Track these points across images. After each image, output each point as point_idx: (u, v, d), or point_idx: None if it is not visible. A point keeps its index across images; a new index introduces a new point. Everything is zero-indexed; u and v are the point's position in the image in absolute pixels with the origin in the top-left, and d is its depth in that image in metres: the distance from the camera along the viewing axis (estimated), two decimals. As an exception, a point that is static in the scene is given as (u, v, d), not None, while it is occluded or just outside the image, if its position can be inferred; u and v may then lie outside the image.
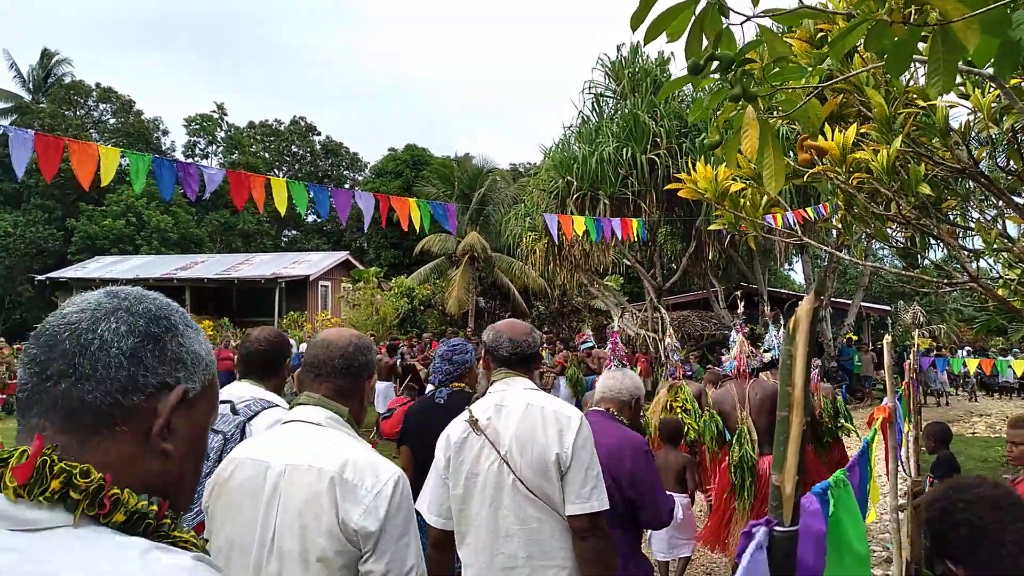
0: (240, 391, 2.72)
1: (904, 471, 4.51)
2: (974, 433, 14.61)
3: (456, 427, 2.54)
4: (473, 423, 2.47)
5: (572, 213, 15.44)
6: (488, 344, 2.66)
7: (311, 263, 28.34)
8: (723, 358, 6.58)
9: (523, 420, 2.41)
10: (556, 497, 2.36)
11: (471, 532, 2.46)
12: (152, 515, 0.88)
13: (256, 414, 2.55)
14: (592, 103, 19.62)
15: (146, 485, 0.90)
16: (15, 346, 17.53)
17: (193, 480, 1.02)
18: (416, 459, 3.57)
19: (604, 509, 2.38)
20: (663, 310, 18.85)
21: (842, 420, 6.78)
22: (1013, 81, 2.61)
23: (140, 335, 0.95)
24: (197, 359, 1.01)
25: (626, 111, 17.69)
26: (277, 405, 2.62)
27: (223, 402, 2.58)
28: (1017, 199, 4.19)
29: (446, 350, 3.73)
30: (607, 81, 19.67)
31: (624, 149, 16.71)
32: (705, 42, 1.76)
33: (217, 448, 2.44)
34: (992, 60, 1.72)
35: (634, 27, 1.72)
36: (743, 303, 7.52)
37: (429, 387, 4.69)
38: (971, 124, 3.57)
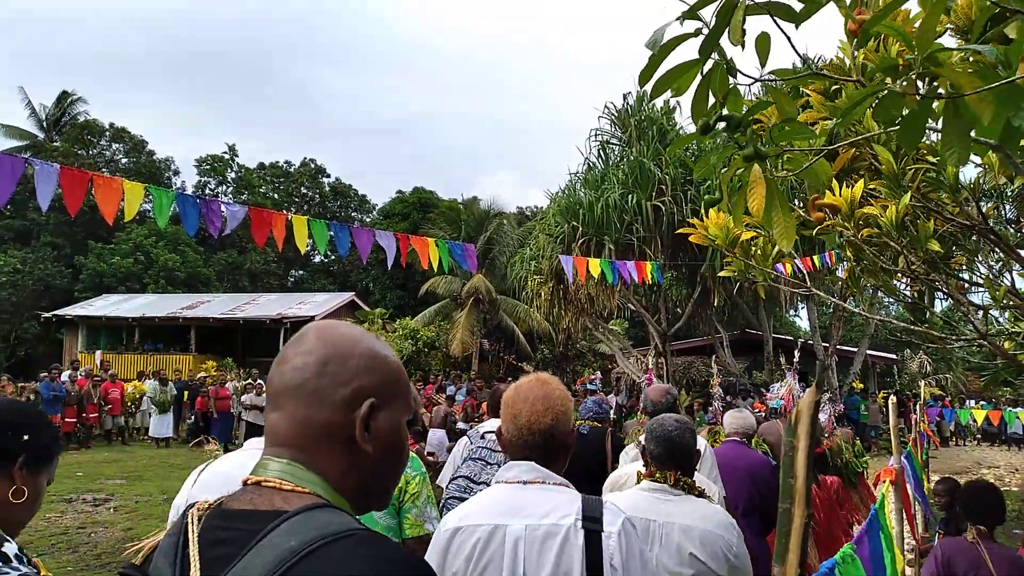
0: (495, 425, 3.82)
1: (917, 526, 4.45)
2: (983, 486, 14.38)
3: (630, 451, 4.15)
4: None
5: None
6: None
7: (316, 304, 28.37)
8: (769, 395, 7.45)
9: None
10: None
11: None
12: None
13: None
14: (598, 150, 19.82)
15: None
16: (19, 384, 17.48)
17: None
18: None
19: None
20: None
21: (863, 460, 6.86)
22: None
23: (691, 434, 2.60)
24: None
25: (632, 158, 17.85)
26: None
27: (493, 432, 3.53)
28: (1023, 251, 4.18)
29: (597, 401, 5.39)
30: (613, 128, 19.89)
31: (630, 196, 16.83)
32: (712, 99, 1.79)
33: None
34: (999, 134, 1.73)
35: (642, 83, 1.75)
36: (786, 355, 8.30)
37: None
38: (981, 181, 3.59)
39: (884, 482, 3.09)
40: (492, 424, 4.19)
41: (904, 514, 3.38)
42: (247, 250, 39.92)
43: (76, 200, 4.64)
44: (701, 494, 2.57)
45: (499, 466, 3.51)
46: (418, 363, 24.77)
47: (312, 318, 26.17)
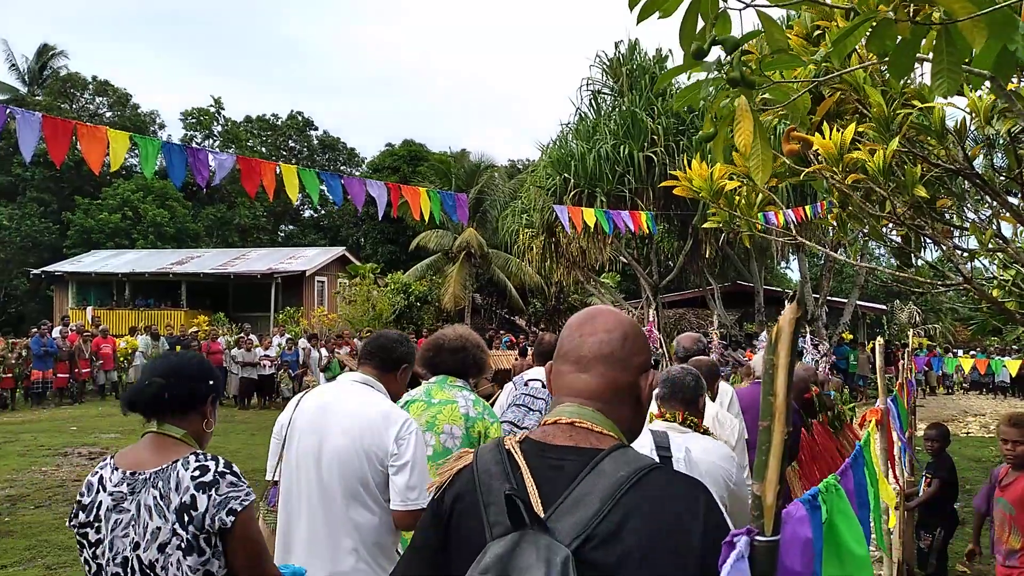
0: (538, 374, 4.22)
1: (899, 472, 4.53)
2: (968, 433, 14.63)
3: None
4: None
5: (569, 210, 15.42)
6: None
7: (307, 258, 28.26)
8: (760, 344, 7.33)
9: None
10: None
11: None
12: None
13: None
14: (590, 100, 19.59)
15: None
16: (10, 340, 17.43)
17: None
18: None
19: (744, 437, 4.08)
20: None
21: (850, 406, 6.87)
22: (1012, 85, 2.60)
23: (694, 379, 2.91)
24: None
25: (623, 109, 17.67)
26: None
27: (536, 380, 4.13)
28: (1012, 199, 4.18)
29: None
30: (605, 78, 19.64)
31: (621, 147, 16.70)
32: (700, 24, 1.74)
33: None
34: (993, 64, 1.70)
35: (632, 4, 1.70)
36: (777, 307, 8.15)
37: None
38: (967, 124, 3.55)
39: (870, 421, 3.13)
40: (536, 372, 4.37)
41: (888, 455, 3.44)
42: (236, 205, 39.60)
43: (60, 150, 4.55)
44: (706, 432, 2.87)
45: (541, 413, 3.77)
46: (411, 317, 24.79)
47: (303, 273, 26.11)
